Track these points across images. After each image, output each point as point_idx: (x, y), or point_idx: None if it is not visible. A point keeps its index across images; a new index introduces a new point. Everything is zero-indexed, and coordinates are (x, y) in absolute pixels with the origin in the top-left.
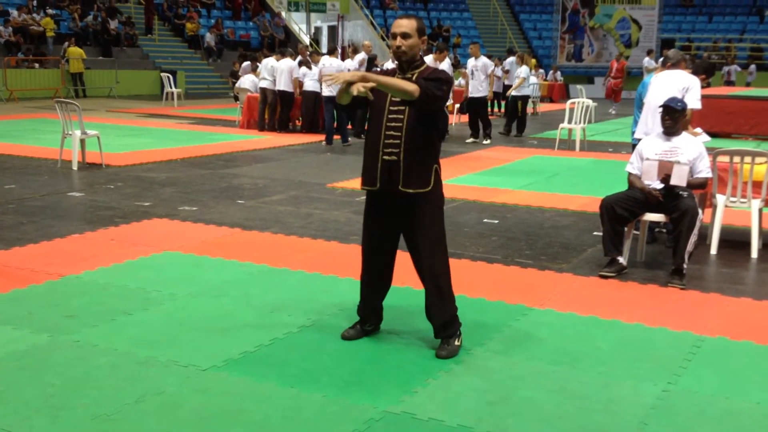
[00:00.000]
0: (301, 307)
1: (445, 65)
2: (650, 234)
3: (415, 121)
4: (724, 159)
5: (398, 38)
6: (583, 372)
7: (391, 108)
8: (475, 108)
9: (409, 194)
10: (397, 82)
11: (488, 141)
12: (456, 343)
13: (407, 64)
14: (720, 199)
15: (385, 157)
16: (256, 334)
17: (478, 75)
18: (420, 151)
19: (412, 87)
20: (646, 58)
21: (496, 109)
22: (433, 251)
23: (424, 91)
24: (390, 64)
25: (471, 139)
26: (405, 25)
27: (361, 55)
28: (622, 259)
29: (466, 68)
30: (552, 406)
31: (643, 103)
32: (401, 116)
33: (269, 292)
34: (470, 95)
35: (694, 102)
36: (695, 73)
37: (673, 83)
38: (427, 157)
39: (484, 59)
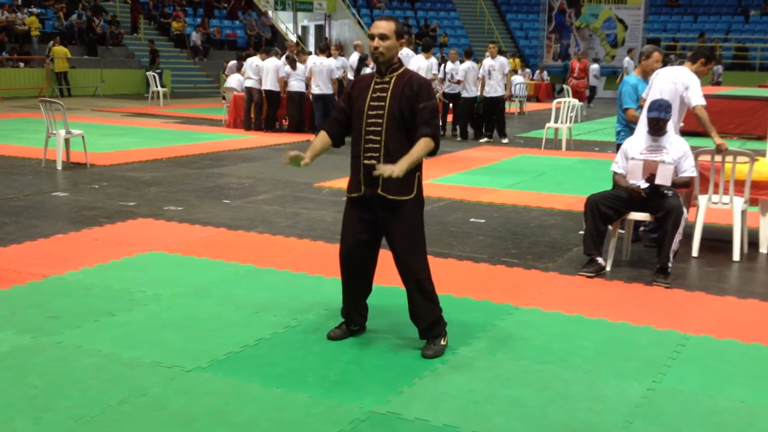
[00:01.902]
0: (286, 307)
1: (431, 62)
2: (635, 233)
3: (394, 127)
4: (706, 158)
5: (376, 39)
6: (569, 371)
7: (370, 113)
8: (492, 107)
9: (389, 200)
10: (420, 152)
11: (484, 140)
12: (442, 342)
13: (385, 66)
14: (702, 200)
15: (366, 162)
16: (242, 335)
17: (495, 75)
18: (401, 156)
19: (431, 145)
20: (626, 58)
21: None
22: (413, 254)
23: (435, 135)
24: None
25: (485, 139)
26: (383, 26)
27: (355, 56)
28: (600, 259)
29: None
30: (537, 405)
31: (641, 100)
32: (380, 120)
33: (255, 292)
34: (486, 95)
35: (697, 99)
36: (694, 58)
37: (672, 80)
38: None
39: (501, 59)
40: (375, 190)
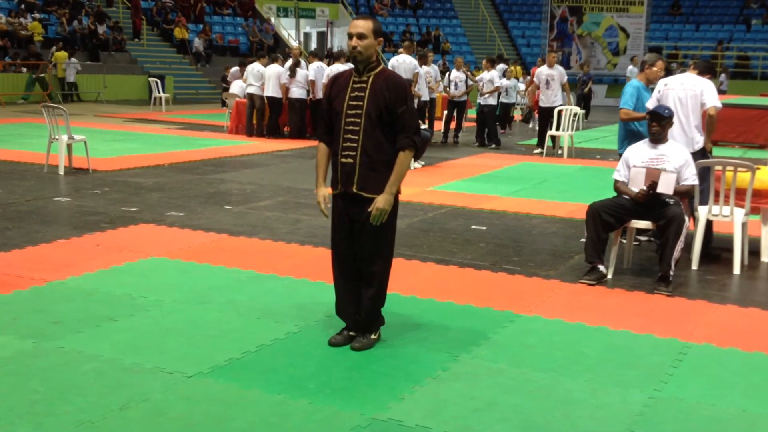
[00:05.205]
0: (288, 314)
1: (432, 70)
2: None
3: (371, 126)
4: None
5: (354, 39)
6: (570, 378)
7: (348, 112)
8: (547, 118)
9: (365, 198)
10: (403, 169)
11: (538, 151)
12: (372, 336)
13: (363, 65)
14: (702, 212)
15: (343, 160)
16: (243, 341)
17: (553, 84)
18: (378, 155)
19: (411, 155)
20: (630, 66)
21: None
22: (379, 247)
23: (413, 143)
24: (339, 67)
25: (538, 150)
26: (361, 25)
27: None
28: (602, 267)
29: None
30: (539, 413)
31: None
32: (358, 120)
33: (256, 298)
34: (542, 105)
35: (714, 100)
36: (703, 72)
37: (689, 87)
38: (387, 162)
39: (560, 68)
40: (351, 188)
